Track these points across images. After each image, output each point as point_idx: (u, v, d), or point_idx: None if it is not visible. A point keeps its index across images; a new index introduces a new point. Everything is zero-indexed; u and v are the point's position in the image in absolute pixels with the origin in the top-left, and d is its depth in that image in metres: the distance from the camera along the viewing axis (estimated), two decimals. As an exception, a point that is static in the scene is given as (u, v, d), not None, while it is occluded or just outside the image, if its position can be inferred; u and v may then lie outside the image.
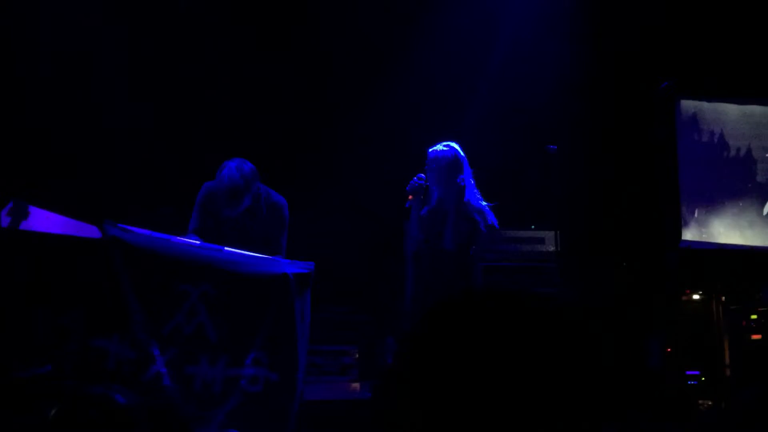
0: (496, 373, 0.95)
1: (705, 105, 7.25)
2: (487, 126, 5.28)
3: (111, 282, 4.12)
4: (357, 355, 6.18)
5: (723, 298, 6.78)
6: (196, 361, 4.15)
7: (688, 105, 7.19)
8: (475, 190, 4.88)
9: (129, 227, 4.24)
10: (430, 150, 4.91)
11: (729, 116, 7.31)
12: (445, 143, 4.91)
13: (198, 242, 4.48)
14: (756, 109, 7.38)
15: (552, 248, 6.38)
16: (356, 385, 6.14)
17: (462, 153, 4.88)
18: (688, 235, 7.06)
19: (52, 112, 5.85)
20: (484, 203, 4.86)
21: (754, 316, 6.60)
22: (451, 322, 1.00)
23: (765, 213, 7.27)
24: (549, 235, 6.43)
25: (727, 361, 6.61)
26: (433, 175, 4.85)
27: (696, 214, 7.15)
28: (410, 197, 4.83)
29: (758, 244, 7.19)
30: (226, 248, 4.43)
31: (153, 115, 6.23)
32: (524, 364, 0.96)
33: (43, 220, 4.48)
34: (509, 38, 6.84)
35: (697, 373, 6.67)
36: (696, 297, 6.87)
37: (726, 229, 7.19)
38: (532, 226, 6.61)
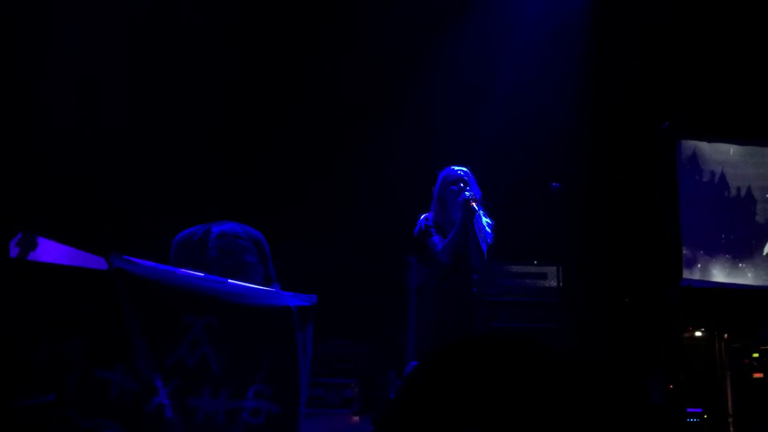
0: (496, 417, 0.98)
1: (705, 145, 7.32)
2: (491, 162, 5.34)
3: (115, 313, 4.15)
4: (358, 388, 6.18)
5: (725, 335, 6.78)
6: (198, 393, 4.16)
7: (689, 145, 7.26)
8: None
9: (134, 259, 4.28)
10: (454, 169, 4.91)
11: (729, 156, 7.37)
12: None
13: (202, 274, 4.52)
14: (756, 150, 7.44)
15: (554, 283, 6.40)
16: (357, 419, 6.14)
17: None
18: (689, 273, 7.09)
19: (60, 140, 5.92)
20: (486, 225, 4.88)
21: (756, 354, 6.60)
22: (452, 367, 1.04)
23: (765, 253, 7.30)
24: (551, 270, 6.46)
25: (729, 398, 6.59)
26: (468, 190, 4.82)
27: (697, 253, 7.18)
28: (473, 203, 4.73)
29: (759, 284, 7.22)
30: (229, 281, 4.46)
31: (159, 146, 6.29)
32: (525, 410, 0.99)
33: (50, 251, 4.51)
34: (514, 76, 6.92)
35: (699, 410, 6.65)
36: (698, 334, 6.87)
37: (726, 269, 7.22)
38: (535, 261, 6.63)
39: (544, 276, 6.57)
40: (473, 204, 4.69)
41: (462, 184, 4.82)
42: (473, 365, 1.03)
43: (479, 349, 1.05)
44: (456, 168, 4.91)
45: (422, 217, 4.93)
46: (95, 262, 4.43)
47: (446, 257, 4.74)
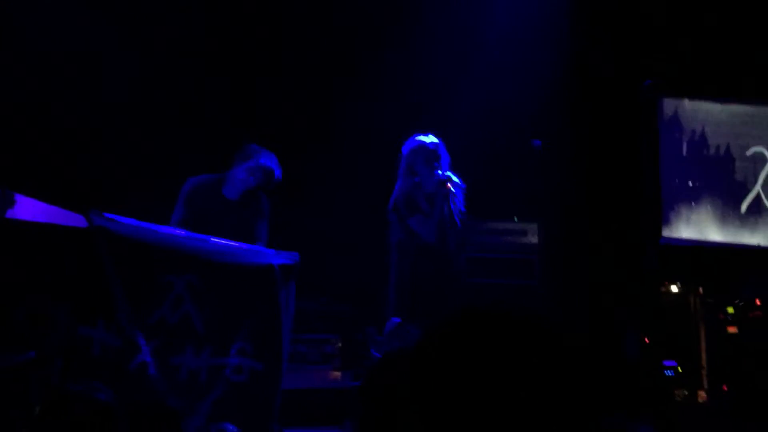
0: (490, 391, 0.99)
1: (686, 104, 7.34)
2: (473, 120, 5.32)
3: (96, 271, 4.13)
4: (339, 344, 6.23)
5: (700, 290, 6.87)
6: (181, 351, 4.18)
7: (670, 104, 7.27)
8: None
9: (115, 216, 4.25)
10: (423, 140, 4.86)
11: (709, 115, 7.40)
12: (424, 134, 4.91)
13: (184, 232, 4.50)
14: (736, 108, 7.47)
15: (534, 240, 6.44)
16: (338, 374, 6.19)
17: None
18: (668, 231, 7.15)
19: (38, 99, 5.83)
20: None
21: (730, 309, 6.69)
22: (445, 344, 1.04)
23: (743, 211, 7.38)
24: (531, 227, 6.48)
25: (703, 352, 6.70)
26: (439, 163, 4.79)
27: (676, 211, 7.24)
28: (448, 184, 4.71)
29: (736, 241, 7.30)
30: (212, 239, 4.45)
31: (141, 104, 6.22)
32: (516, 382, 0.99)
33: (29, 209, 4.47)
34: (496, 36, 6.87)
35: (673, 363, 6.76)
36: (674, 289, 6.96)
37: (705, 227, 7.29)
38: (515, 218, 6.65)
39: (524, 233, 6.59)
40: (449, 185, 4.70)
41: (433, 158, 4.78)
42: (460, 344, 1.03)
43: (465, 328, 1.05)
44: (425, 140, 4.85)
45: (394, 193, 4.91)
46: (75, 220, 4.40)
47: (430, 237, 4.78)
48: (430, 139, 4.86)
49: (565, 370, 1.03)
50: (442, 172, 4.73)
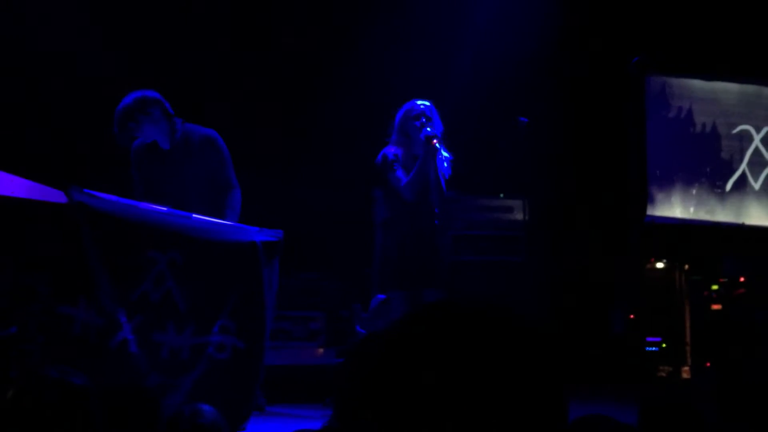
0: (461, 382, 1.00)
1: (673, 81, 7.31)
2: (460, 96, 5.28)
3: (77, 248, 4.08)
4: (324, 321, 6.23)
5: (686, 267, 6.90)
6: (163, 329, 4.15)
7: (658, 81, 7.24)
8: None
9: (95, 192, 4.20)
10: (417, 103, 4.82)
11: (696, 92, 7.38)
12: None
13: (166, 209, 4.46)
14: (722, 86, 7.45)
15: (520, 217, 6.43)
16: (322, 351, 6.19)
17: None
18: (653, 209, 7.15)
19: (18, 75, 5.75)
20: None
21: (715, 287, 6.73)
22: (419, 335, 1.06)
23: (728, 189, 7.38)
24: (517, 203, 6.47)
25: (688, 329, 6.75)
26: (431, 125, 4.73)
27: (661, 189, 7.24)
28: (434, 141, 4.65)
29: (721, 219, 7.31)
30: (194, 215, 4.41)
31: (123, 77, 6.14)
32: (488, 373, 1.00)
33: (7, 184, 4.41)
34: (484, 12, 6.81)
35: (658, 339, 6.81)
36: (660, 266, 6.99)
37: (691, 204, 7.30)
38: (501, 195, 6.64)
39: (510, 209, 6.58)
40: (434, 141, 4.63)
41: (424, 119, 4.73)
42: (434, 336, 1.05)
43: (440, 320, 1.06)
44: (419, 102, 4.82)
45: (384, 149, 4.86)
46: (54, 195, 4.35)
47: (409, 194, 4.70)
48: (424, 102, 4.83)
49: (533, 363, 1.05)
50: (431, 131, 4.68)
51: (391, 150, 4.83)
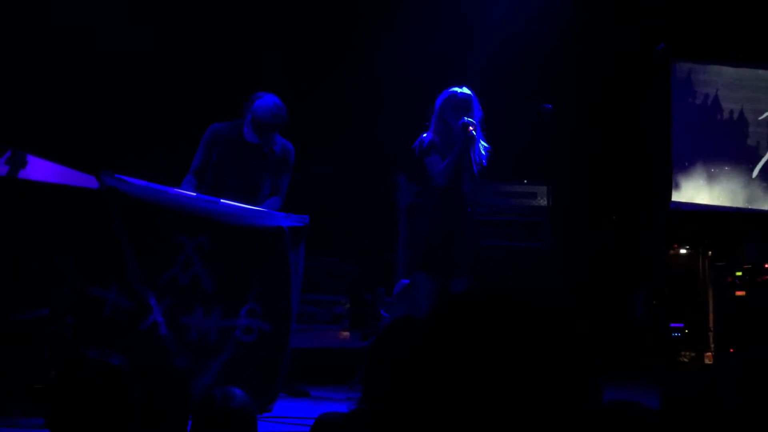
0: (495, 370, 1.03)
1: (699, 67, 7.24)
2: (485, 82, 5.27)
3: (108, 232, 4.17)
4: (348, 305, 6.28)
5: (710, 253, 6.88)
6: (191, 312, 4.22)
7: (684, 67, 7.18)
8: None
9: (126, 178, 4.28)
10: (457, 90, 4.82)
11: (723, 79, 7.31)
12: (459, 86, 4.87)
13: (194, 194, 4.52)
14: (749, 72, 7.37)
15: (544, 203, 6.43)
16: (347, 334, 6.25)
17: None
18: (678, 195, 7.12)
19: (50, 61, 5.80)
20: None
21: (739, 273, 6.70)
22: (453, 324, 1.08)
23: (754, 176, 7.33)
24: (541, 189, 6.47)
25: (711, 315, 6.73)
26: (469, 114, 4.72)
27: (687, 175, 7.20)
28: (471, 129, 4.68)
29: (747, 206, 7.26)
30: (222, 200, 4.48)
31: (149, 64, 6.20)
32: (522, 361, 1.04)
33: (40, 169, 4.50)
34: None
35: (680, 325, 6.80)
36: (683, 252, 6.97)
37: (716, 191, 7.26)
38: (525, 181, 6.64)
39: (533, 195, 6.58)
40: (471, 129, 4.64)
41: (463, 108, 4.74)
42: (468, 325, 1.08)
43: (473, 309, 1.10)
44: (459, 90, 4.83)
45: (423, 135, 4.88)
46: (86, 180, 4.43)
47: (443, 179, 4.73)
48: (463, 90, 4.83)
49: (564, 348, 1.08)
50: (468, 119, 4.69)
51: (428, 136, 4.85)
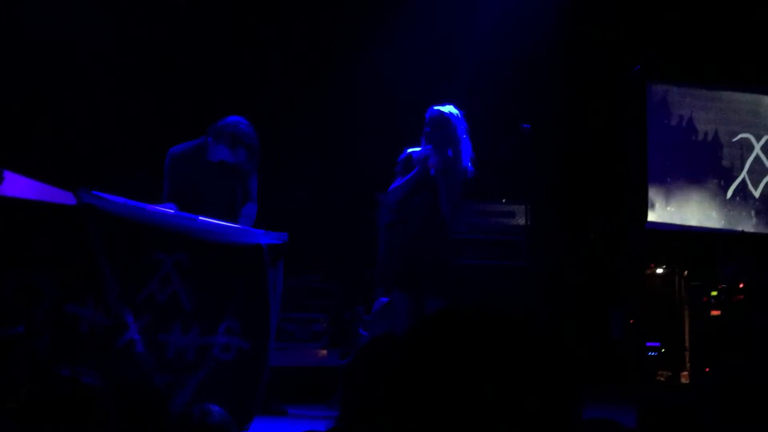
0: (472, 384, 1.04)
1: (675, 89, 7.35)
2: (462, 101, 5.30)
3: (85, 249, 4.14)
4: (327, 323, 6.26)
5: (685, 273, 6.93)
6: (168, 329, 4.19)
7: (659, 89, 7.28)
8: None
9: (103, 194, 4.26)
10: (434, 109, 4.81)
11: (697, 101, 7.41)
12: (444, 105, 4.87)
13: (172, 211, 4.51)
14: (724, 94, 7.49)
15: (521, 222, 6.46)
16: (325, 352, 6.23)
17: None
18: (654, 216, 7.19)
19: (27, 76, 5.78)
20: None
21: (714, 293, 6.75)
22: (430, 343, 1.09)
23: (728, 196, 7.42)
24: (519, 209, 6.50)
25: (687, 334, 6.78)
26: (442, 134, 4.74)
27: (662, 196, 7.27)
28: (429, 166, 4.70)
29: (722, 227, 7.35)
30: (200, 218, 4.46)
31: (130, 79, 6.19)
32: (501, 378, 1.05)
33: (18, 186, 4.47)
34: (486, 20, 6.85)
35: (657, 344, 6.84)
36: (659, 271, 7.02)
37: (691, 212, 7.33)
38: (503, 200, 6.68)
39: (512, 214, 6.62)
40: (429, 163, 4.67)
41: (434, 126, 4.74)
42: (446, 342, 1.08)
43: (451, 327, 1.10)
44: (434, 108, 4.83)
45: (407, 149, 4.88)
46: (64, 197, 4.41)
47: (389, 199, 4.78)
48: (438, 108, 4.83)
49: (543, 367, 1.08)
50: (432, 146, 4.70)
51: (411, 152, 4.86)
